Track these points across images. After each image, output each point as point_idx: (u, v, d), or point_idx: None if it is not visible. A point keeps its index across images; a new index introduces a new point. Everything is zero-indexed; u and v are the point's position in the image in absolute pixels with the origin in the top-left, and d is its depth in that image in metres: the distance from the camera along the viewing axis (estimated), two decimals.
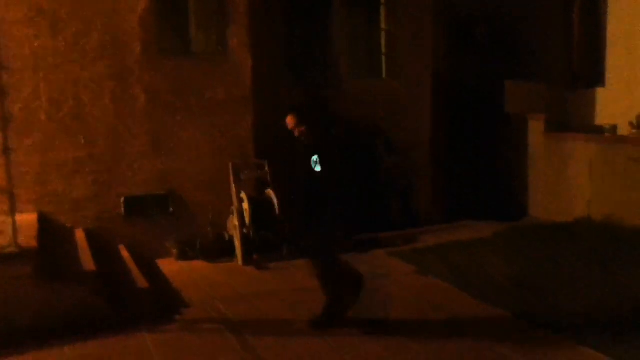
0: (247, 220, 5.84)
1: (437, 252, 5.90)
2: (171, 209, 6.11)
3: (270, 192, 6.01)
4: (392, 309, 4.39)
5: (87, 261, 4.67)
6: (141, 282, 4.87)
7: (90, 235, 5.58)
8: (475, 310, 4.45)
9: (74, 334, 4.04)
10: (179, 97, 6.09)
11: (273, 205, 5.90)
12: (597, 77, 7.28)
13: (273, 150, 6.40)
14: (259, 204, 5.91)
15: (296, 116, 4.30)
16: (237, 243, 5.88)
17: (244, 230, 5.82)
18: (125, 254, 5.64)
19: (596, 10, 7.20)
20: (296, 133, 4.29)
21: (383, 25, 7.92)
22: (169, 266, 5.80)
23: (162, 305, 4.68)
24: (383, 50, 7.92)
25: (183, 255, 6.00)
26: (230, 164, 6.06)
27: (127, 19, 5.83)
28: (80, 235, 5.53)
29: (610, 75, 7.15)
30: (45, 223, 5.30)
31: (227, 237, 6.13)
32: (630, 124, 6.34)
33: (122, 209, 5.94)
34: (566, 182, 6.95)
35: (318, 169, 4.23)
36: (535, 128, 7.40)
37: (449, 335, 4.02)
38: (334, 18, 7.46)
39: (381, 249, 6.13)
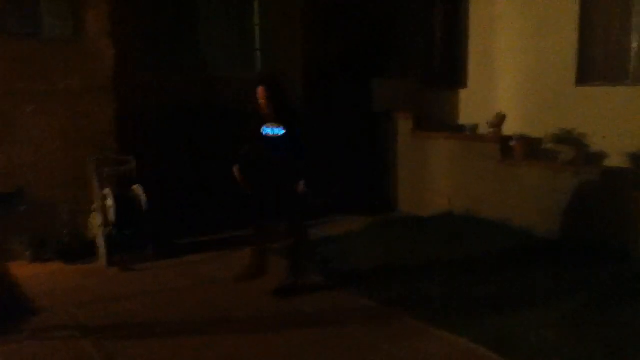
0: (110, 218, 5.49)
1: (308, 247, 5.92)
2: (20, 208, 5.57)
3: (136, 189, 5.70)
4: (264, 303, 4.44)
5: None
6: None
7: None
8: (344, 301, 4.53)
9: None
10: (29, 86, 5.55)
11: (140, 202, 5.61)
12: (459, 78, 7.68)
13: (140, 144, 6.08)
14: (124, 201, 5.59)
15: (266, 89, 4.57)
16: (100, 243, 5.51)
17: (108, 229, 5.46)
18: None
19: (457, 13, 7.58)
20: (261, 108, 4.59)
21: (256, 20, 7.86)
22: (20, 269, 5.30)
23: (9, 313, 4.25)
24: (257, 44, 7.87)
25: (37, 257, 5.51)
26: (90, 159, 5.67)
27: None
28: None
29: (471, 77, 7.58)
30: None
31: (88, 236, 5.72)
32: (488, 123, 6.73)
33: None
34: (431, 178, 7.27)
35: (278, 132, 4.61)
36: (404, 126, 7.66)
37: (315, 325, 4.06)
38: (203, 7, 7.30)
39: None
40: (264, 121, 4.69)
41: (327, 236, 6.36)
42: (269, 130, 4.69)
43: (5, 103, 5.49)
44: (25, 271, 5.29)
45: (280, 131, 4.63)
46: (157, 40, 6.85)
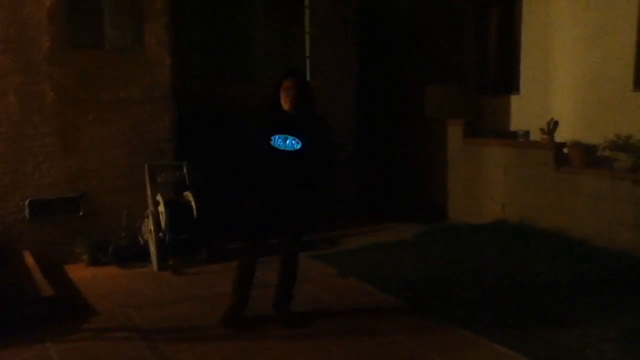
0: (162, 223, 5.63)
1: (358, 254, 5.94)
2: (82, 213, 5.80)
3: (188, 195, 5.83)
4: (315, 310, 4.46)
5: None
6: (46, 289, 4.56)
7: None
8: (396, 310, 4.51)
9: None
10: (92, 95, 5.75)
11: (192, 208, 5.73)
12: (512, 84, 7.55)
13: (193, 151, 6.22)
14: (177, 207, 5.72)
15: (302, 83, 3.97)
16: (152, 248, 5.65)
17: (160, 235, 5.60)
18: (29, 260, 5.29)
19: (511, 20, 7.47)
20: (289, 102, 3.92)
21: (307, 29, 7.96)
22: (79, 272, 5.49)
23: (68, 314, 4.41)
24: (307, 53, 7.97)
25: (95, 261, 5.69)
26: (145, 166, 5.84)
27: (34, 10, 5.43)
28: None
29: (524, 83, 7.44)
30: None
31: (142, 241, 5.88)
32: (542, 130, 6.59)
33: (27, 212, 5.56)
34: (483, 186, 7.16)
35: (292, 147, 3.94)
36: (454, 133, 7.58)
37: (366, 334, 4.04)
38: (256, 21, 7.45)
39: (303, 252, 6.07)
40: (278, 125, 3.97)
41: (379, 243, 6.36)
42: (280, 143, 3.95)
43: (72, 112, 5.70)
44: (84, 274, 5.47)
45: (296, 145, 3.92)
46: (207, 46, 7.02)
